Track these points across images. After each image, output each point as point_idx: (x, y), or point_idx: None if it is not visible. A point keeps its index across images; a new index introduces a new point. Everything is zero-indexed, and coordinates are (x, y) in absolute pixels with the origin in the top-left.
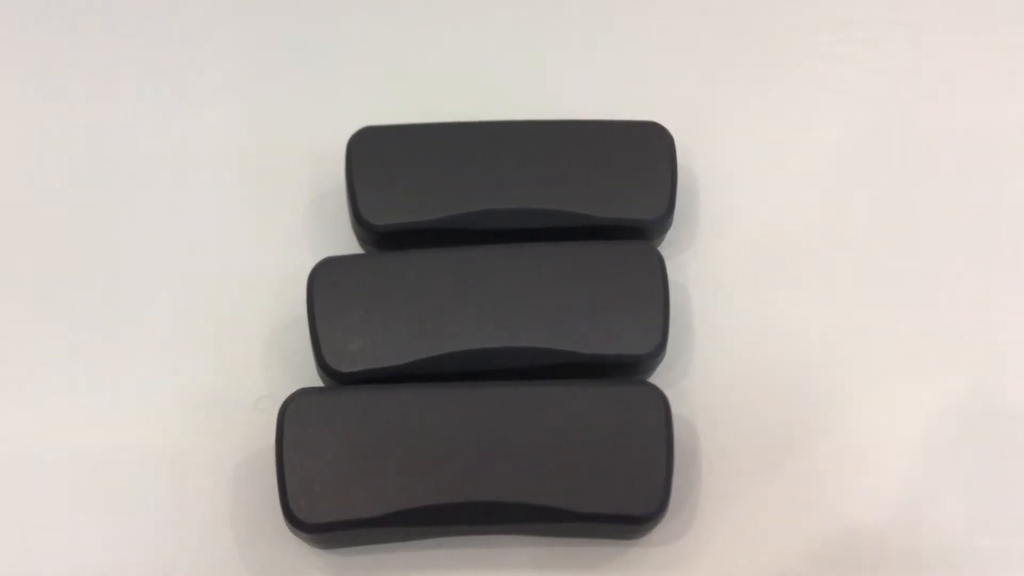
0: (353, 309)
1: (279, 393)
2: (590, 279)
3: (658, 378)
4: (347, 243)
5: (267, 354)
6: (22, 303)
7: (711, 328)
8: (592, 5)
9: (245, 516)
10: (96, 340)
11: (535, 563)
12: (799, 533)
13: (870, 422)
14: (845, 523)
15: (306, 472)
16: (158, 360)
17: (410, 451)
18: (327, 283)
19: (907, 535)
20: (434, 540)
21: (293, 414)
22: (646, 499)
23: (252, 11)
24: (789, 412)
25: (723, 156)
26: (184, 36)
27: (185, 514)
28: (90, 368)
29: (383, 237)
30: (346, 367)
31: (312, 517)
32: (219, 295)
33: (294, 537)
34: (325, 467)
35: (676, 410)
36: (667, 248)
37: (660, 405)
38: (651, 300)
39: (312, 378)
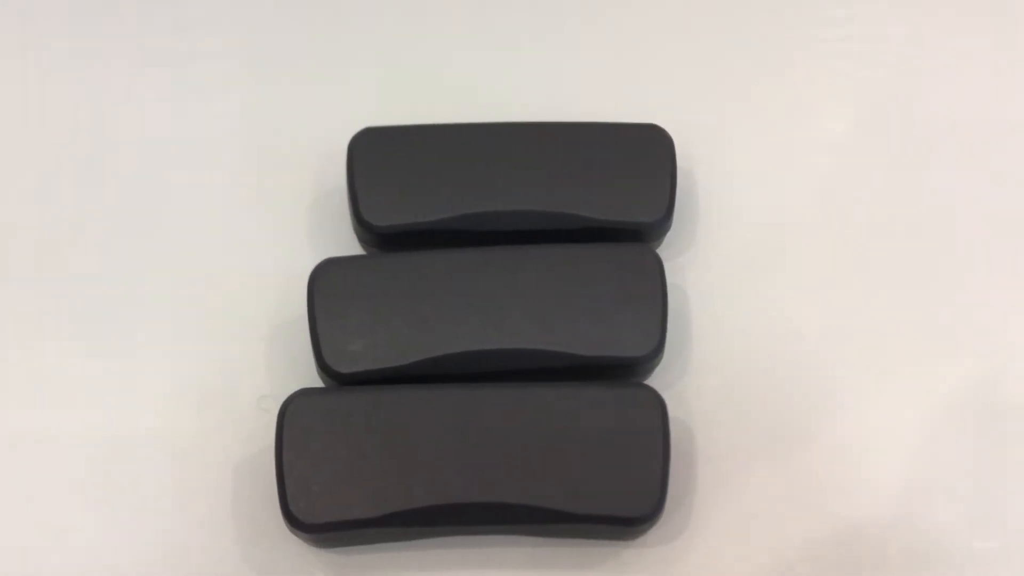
0: (353, 310)
1: (280, 393)
2: (589, 281)
3: (656, 380)
4: (348, 244)
5: (269, 354)
6: (24, 301)
7: (709, 330)
8: (592, 7)
9: (246, 515)
10: (98, 339)
11: (531, 563)
12: (796, 534)
13: (868, 426)
14: (843, 524)
15: (305, 472)
16: (160, 359)
17: (409, 452)
18: (327, 284)
19: (905, 536)
20: (432, 540)
21: (293, 414)
22: (642, 501)
23: (255, 11)
24: (786, 415)
25: (723, 158)
26: (187, 36)
27: (186, 513)
28: (91, 367)
29: (384, 238)
30: (346, 368)
31: (311, 517)
32: (221, 295)
33: (294, 536)
34: (324, 467)
35: (673, 412)
36: (666, 250)
37: (657, 407)
38: (649, 302)
39: (314, 378)
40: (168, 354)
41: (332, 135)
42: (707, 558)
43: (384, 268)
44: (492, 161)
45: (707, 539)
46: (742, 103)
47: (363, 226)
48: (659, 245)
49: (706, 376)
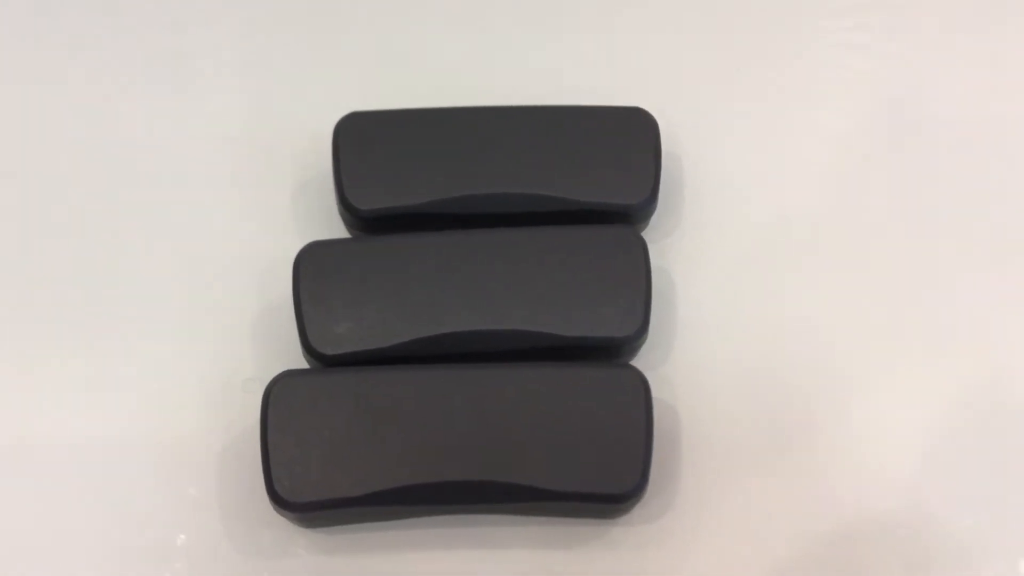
0: (338, 293)
1: (266, 375)
2: (573, 263)
3: (641, 361)
4: (334, 227)
5: (255, 337)
6: (6, 284)
7: (694, 313)
8: None
9: (232, 496)
10: (83, 323)
11: (517, 542)
12: (779, 514)
13: (855, 407)
14: (826, 504)
15: (290, 452)
16: (146, 342)
17: (393, 431)
18: (313, 267)
19: (890, 514)
20: (417, 520)
21: (278, 395)
22: (625, 478)
23: None
24: (770, 396)
25: (709, 142)
26: (173, 22)
27: (172, 494)
28: (77, 350)
29: (369, 221)
30: (331, 350)
31: (295, 496)
32: (207, 278)
33: (280, 516)
34: (309, 447)
35: (658, 393)
36: (651, 233)
37: (640, 386)
38: (633, 284)
39: (300, 360)
40: (154, 338)
41: (318, 119)
42: (692, 537)
43: (369, 251)
44: (477, 145)
45: (692, 518)
46: (729, 87)
47: (348, 210)
48: (644, 228)
49: (691, 358)
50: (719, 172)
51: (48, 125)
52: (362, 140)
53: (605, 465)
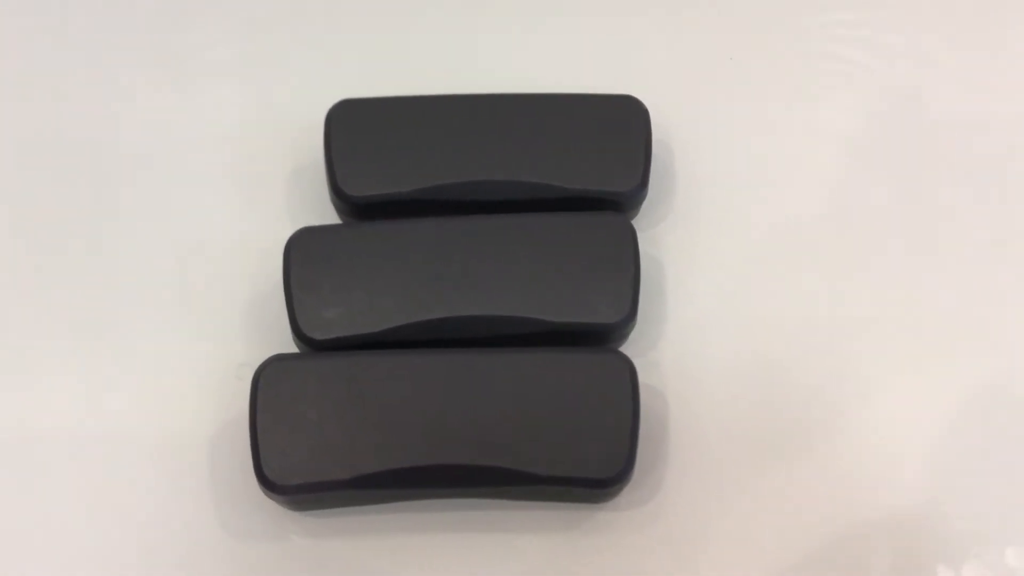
0: (328, 278)
1: (258, 361)
2: (563, 250)
3: (630, 348)
4: (326, 214)
5: (246, 323)
6: (3, 271)
7: (684, 300)
8: None
9: (223, 481)
10: (76, 310)
11: (505, 526)
12: (766, 498)
13: (841, 395)
14: (812, 489)
15: (279, 435)
16: (138, 328)
17: (381, 416)
18: (303, 252)
19: (873, 497)
20: (406, 503)
21: (267, 379)
22: (611, 463)
23: None
24: (758, 382)
25: (700, 131)
26: (167, 10)
27: (165, 478)
28: (69, 336)
29: (361, 208)
30: (321, 335)
31: (284, 479)
32: (199, 265)
33: (270, 500)
34: (298, 431)
35: (646, 379)
36: (642, 220)
37: (626, 372)
38: (622, 270)
39: (291, 346)
40: (146, 323)
41: (310, 106)
42: (678, 522)
43: (359, 237)
44: (469, 132)
45: (679, 503)
46: (721, 75)
47: (340, 197)
48: (635, 215)
49: (680, 345)
50: (710, 160)
51: (42, 115)
52: (354, 127)
53: (591, 450)
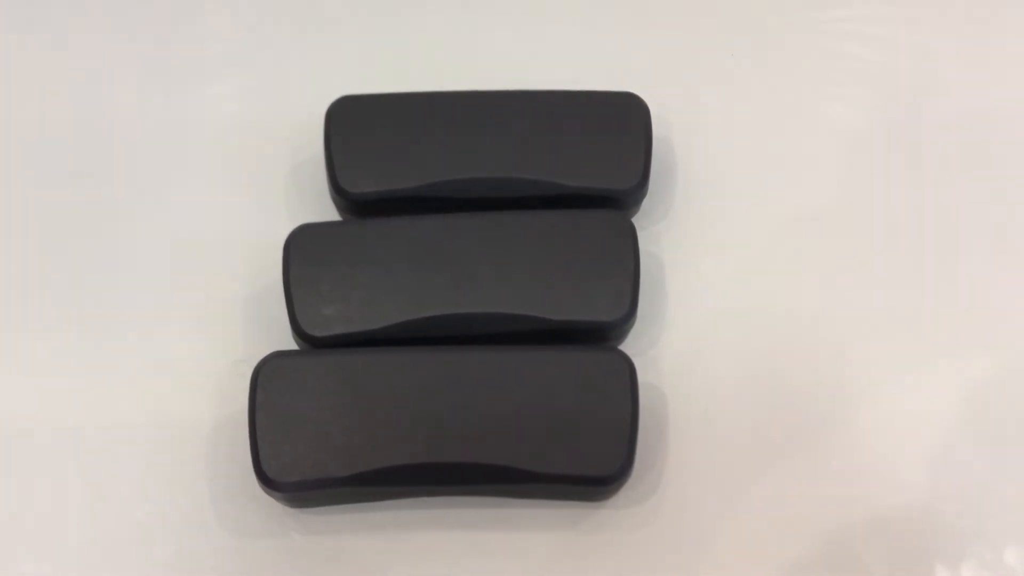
0: (328, 275)
1: (257, 357)
2: (562, 247)
3: (629, 346)
4: (326, 211)
5: (246, 319)
6: (2, 267)
7: (683, 298)
8: None
9: (222, 478)
10: (76, 304)
11: (504, 524)
12: (764, 496)
13: (840, 391)
14: (811, 486)
15: (278, 432)
16: (138, 324)
17: (381, 413)
18: (303, 249)
19: (871, 494)
20: (405, 501)
21: (266, 376)
22: (609, 461)
23: None
24: (758, 380)
25: (701, 128)
26: (167, 8)
27: (163, 474)
28: (69, 331)
29: (360, 205)
30: (320, 332)
31: (283, 476)
32: (199, 261)
33: (269, 497)
34: (297, 428)
35: (646, 377)
36: (642, 218)
37: (626, 370)
38: (621, 268)
39: (290, 343)
40: (146, 320)
41: (310, 103)
42: (677, 520)
43: (358, 234)
44: (468, 129)
45: (677, 501)
46: (721, 72)
47: (340, 193)
48: (635, 213)
49: (680, 343)
50: (711, 158)
51: (41, 112)
52: (354, 124)
53: (590, 448)
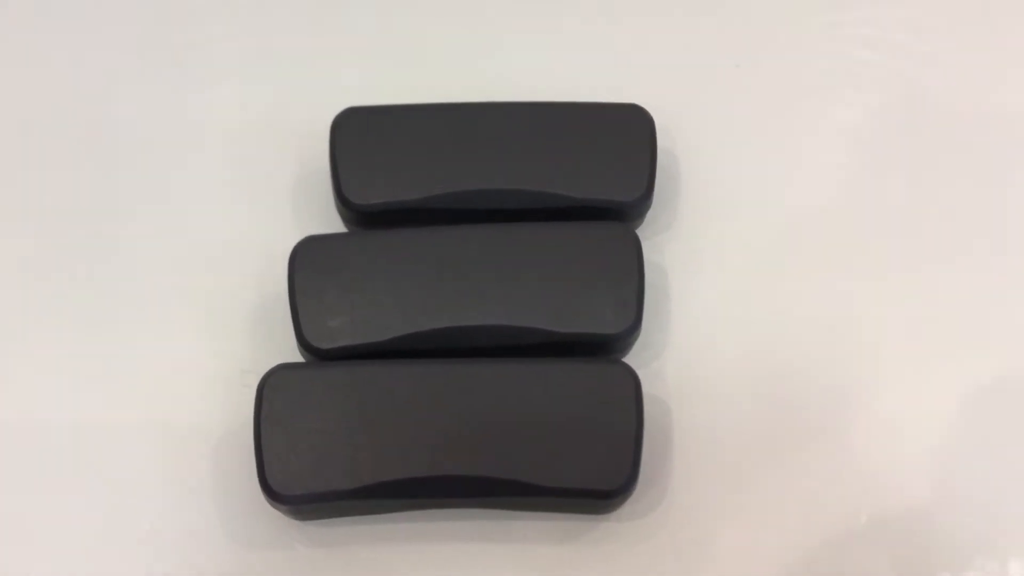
0: (333, 287)
1: (262, 368)
2: (567, 259)
3: (634, 358)
4: (331, 222)
5: (252, 330)
6: (9, 276)
7: (688, 310)
8: None
9: (227, 488)
10: (83, 314)
11: (508, 537)
12: (769, 511)
13: (847, 405)
14: (816, 501)
15: (283, 445)
16: (144, 334)
17: (386, 425)
18: (308, 261)
19: (880, 510)
20: (409, 514)
21: (272, 388)
22: (614, 474)
23: None
24: (763, 393)
25: (705, 139)
26: (172, 16)
27: (168, 485)
28: (75, 341)
29: (366, 216)
30: (325, 344)
31: (288, 489)
32: (205, 271)
33: (274, 509)
34: (302, 440)
35: (650, 390)
36: (647, 229)
37: (631, 383)
38: (626, 280)
39: (296, 354)
40: (152, 330)
41: (316, 114)
42: (681, 533)
43: (364, 245)
44: (473, 141)
45: (682, 514)
46: (726, 82)
47: (345, 205)
48: (640, 224)
49: (684, 355)
50: (715, 169)
51: (49, 118)
52: (359, 135)
53: (595, 461)
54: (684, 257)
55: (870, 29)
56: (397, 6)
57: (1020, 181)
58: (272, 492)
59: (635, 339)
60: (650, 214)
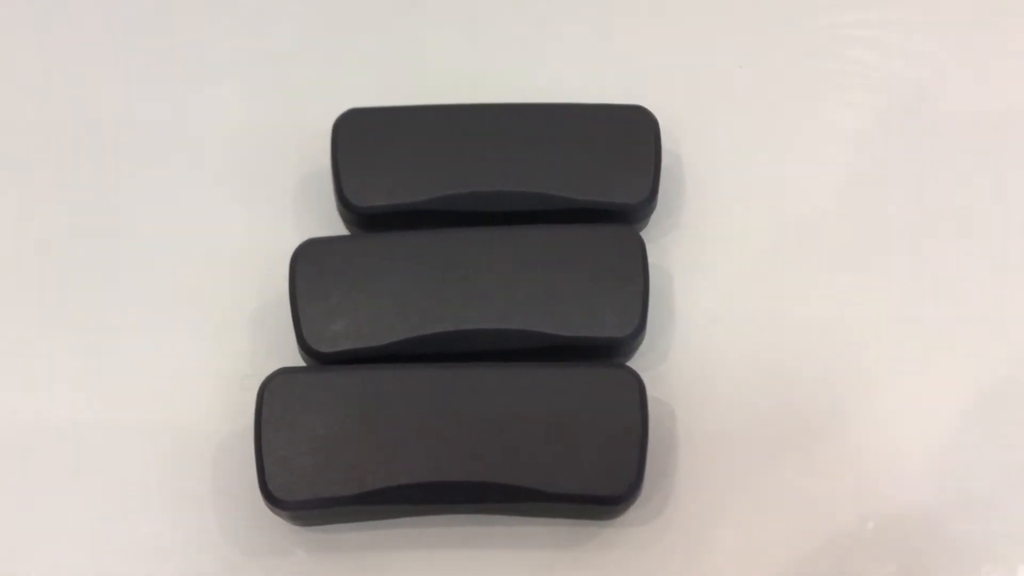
0: (335, 290)
1: (264, 372)
2: (571, 262)
3: (638, 361)
4: (333, 224)
5: (253, 333)
6: (10, 279)
7: (693, 312)
8: None
9: (227, 493)
10: (83, 317)
11: (511, 543)
12: (775, 515)
13: (852, 407)
14: (823, 505)
15: (284, 450)
16: (144, 337)
17: (388, 431)
18: (309, 264)
19: (885, 514)
20: (412, 519)
21: (272, 392)
22: (619, 480)
23: None
24: (769, 396)
25: (710, 140)
26: (177, 17)
27: (168, 489)
28: (76, 345)
29: (367, 219)
30: (327, 348)
31: (288, 495)
32: (206, 274)
33: (274, 515)
34: (303, 445)
35: (655, 393)
36: (651, 232)
37: (635, 387)
38: (631, 284)
39: (297, 358)
40: (152, 333)
41: (317, 116)
42: (686, 539)
43: (365, 248)
44: (476, 142)
45: (686, 520)
46: (730, 84)
47: (347, 207)
48: (644, 226)
49: (689, 358)
50: (720, 171)
51: (48, 120)
52: (361, 137)
53: (599, 467)
54: (689, 259)
55: (874, 30)
56: (399, 7)
57: (1020, 181)
58: (272, 498)
59: (639, 343)
60: (654, 216)
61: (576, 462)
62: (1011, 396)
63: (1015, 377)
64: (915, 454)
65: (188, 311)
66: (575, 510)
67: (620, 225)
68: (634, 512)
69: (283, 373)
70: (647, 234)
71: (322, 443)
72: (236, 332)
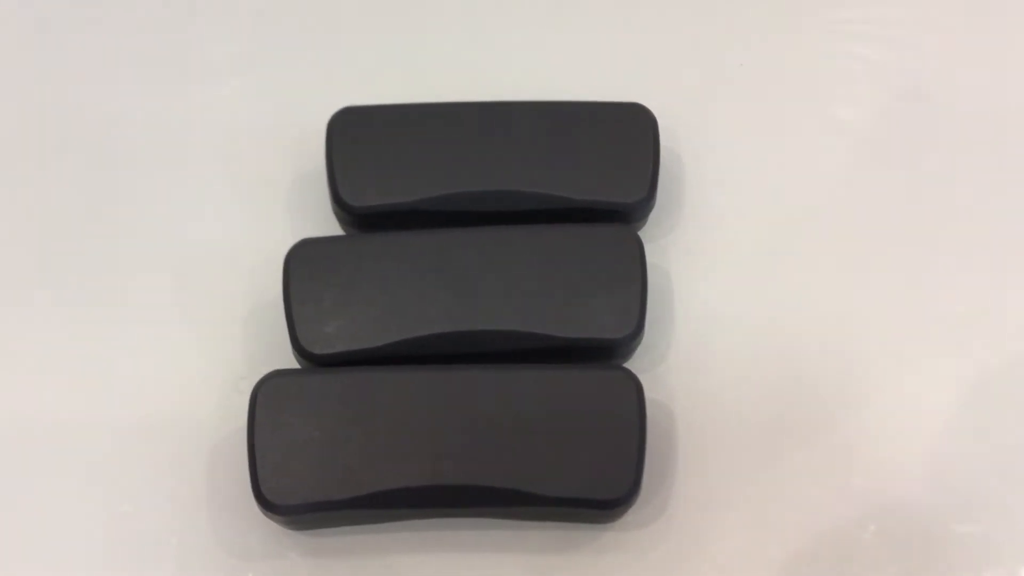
0: (329, 291)
1: (258, 374)
2: (568, 263)
3: (636, 362)
4: (328, 224)
5: (247, 335)
6: (2, 278)
7: (691, 313)
8: None
9: (222, 496)
10: (76, 318)
11: (508, 547)
12: (775, 517)
13: (852, 408)
14: (823, 507)
15: (277, 453)
16: (137, 339)
17: (382, 434)
18: (303, 264)
19: (883, 522)
20: (407, 523)
21: (265, 395)
22: (617, 484)
23: None
24: (768, 397)
25: (709, 139)
26: (168, 17)
27: (161, 493)
28: (69, 346)
29: (362, 218)
30: (321, 349)
31: (282, 499)
32: (199, 275)
33: (268, 519)
34: (296, 449)
35: (653, 395)
36: (649, 231)
37: (633, 390)
38: (629, 284)
39: (292, 359)
40: (146, 334)
41: (312, 114)
42: (685, 542)
43: (360, 249)
44: (473, 141)
45: (686, 522)
46: (729, 82)
47: (341, 206)
48: (642, 226)
49: (687, 359)
50: (719, 169)
51: (44, 119)
52: (356, 135)
53: (597, 470)
54: (687, 259)
55: (874, 28)
56: (395, 5)
57: (1020, 179)
58: (266, 502)
59: (637, 344)
60: (653, 216)
61: (574, 465)
62: (1012, 396)
63: (1016, 377)
64: (915, 454)
65: (181, 312)
66: (573, 513)
67: (618, 225)
68: (633, 515)
69: (277, 375)
70: (645, 234)
71: (316, 446)
72: (229, 334)
